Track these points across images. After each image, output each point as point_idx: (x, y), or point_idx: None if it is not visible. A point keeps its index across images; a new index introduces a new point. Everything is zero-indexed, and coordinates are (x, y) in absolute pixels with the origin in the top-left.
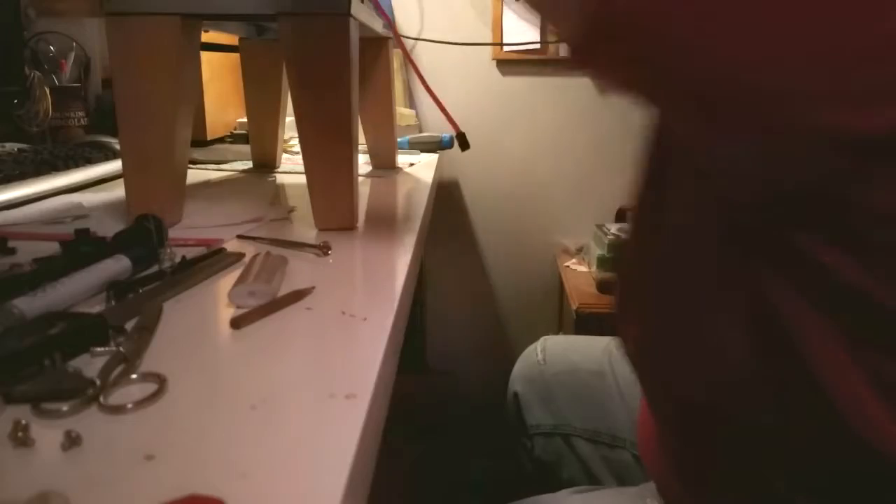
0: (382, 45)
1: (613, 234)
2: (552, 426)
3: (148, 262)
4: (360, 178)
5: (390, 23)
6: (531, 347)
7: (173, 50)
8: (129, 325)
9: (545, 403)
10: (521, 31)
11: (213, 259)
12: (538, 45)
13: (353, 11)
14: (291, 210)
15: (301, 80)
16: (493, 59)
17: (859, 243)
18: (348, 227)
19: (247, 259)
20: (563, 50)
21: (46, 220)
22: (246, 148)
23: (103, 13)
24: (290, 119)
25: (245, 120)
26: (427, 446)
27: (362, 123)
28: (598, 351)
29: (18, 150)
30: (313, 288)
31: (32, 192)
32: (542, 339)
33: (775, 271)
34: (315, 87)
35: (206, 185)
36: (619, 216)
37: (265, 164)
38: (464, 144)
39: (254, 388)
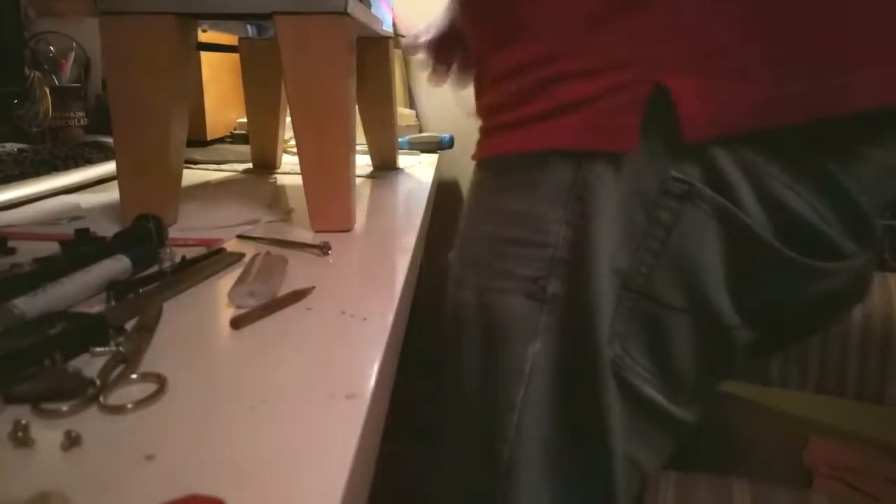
0: (382, 45)
1: None
2: None
3: (148, 262)
4: (361, 179)
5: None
6: None
7: (168, 50)
8: (129, 325)
9: None
10: None
11: (212, 259)
12: None
13: (349, 10)
14: (290, 211)
15: (297, 80)
16: None
17: None
18: (345, 228)
19: (247, 259)
20: None
21: (44, 221)
22: (246, 148)
23: (97, 12)
24: (290, 119)
25: (245, 120)
26: (427, 446)
27: (363, 124)
28: None
29: (18, 150)
30: (313, 288)
31: (32, 192)
32: None
33: None
34: (311, 87)
35: (206, 185)
36: None
37: (265, 164)
38: None
39: (254, 388)
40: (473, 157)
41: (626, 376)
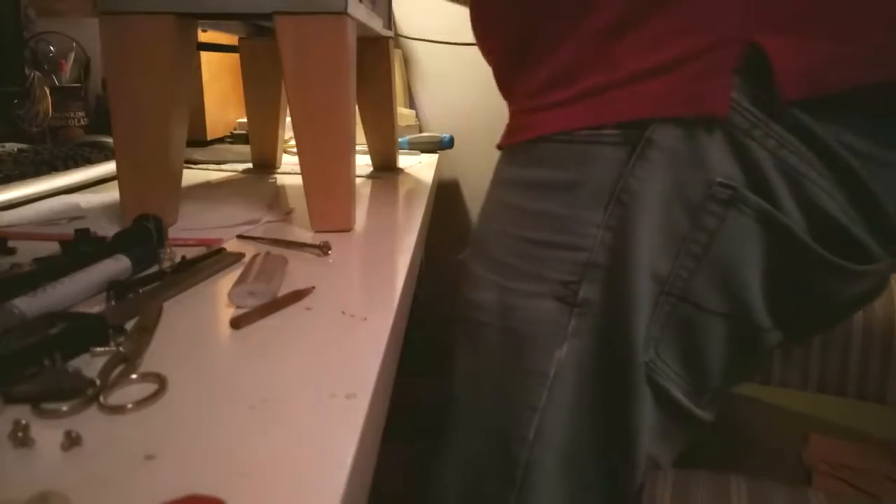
0: (382, 45)
1: None
2: None
3: (148, 262)
4: (361, 179)
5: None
6: None
7: (168, 50)
8: (129, 325)
9: None
10: None
11: (212, 259)
12: None
13: (349, 10)
14: (291, 211)
15: (297, 80)
16: None
17: None
18: (345, 228)
19: (247, 259)
20: None
21: (44, 221)
22: (246, 148)
23: (97, 12)
24: (290, 119)
25: (245, 120)
26: (427, 446)
27: (363, 124)
28: None
29: (18, 150)
30: (313, 288)
31: (32, 192)
32: None
33: None
34: (311, 87)
35: (206, 185)
36: None
37: (265, 164)
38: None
39: (254, 388)
40: (499, 146)
41: (657, 380)
